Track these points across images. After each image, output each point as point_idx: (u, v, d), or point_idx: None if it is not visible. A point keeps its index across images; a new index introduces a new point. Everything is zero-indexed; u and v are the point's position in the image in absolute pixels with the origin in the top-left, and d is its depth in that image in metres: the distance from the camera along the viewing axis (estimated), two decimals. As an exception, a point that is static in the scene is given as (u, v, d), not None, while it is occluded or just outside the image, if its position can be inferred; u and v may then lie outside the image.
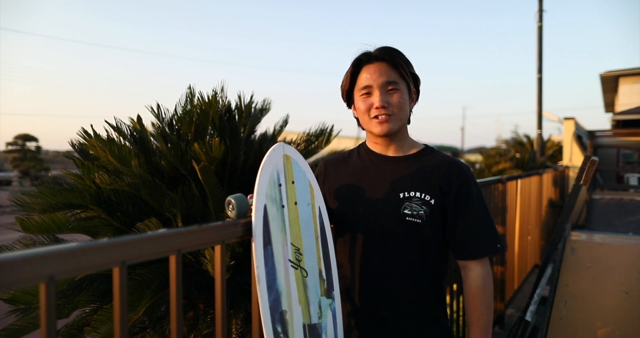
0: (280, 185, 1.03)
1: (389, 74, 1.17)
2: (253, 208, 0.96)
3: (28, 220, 1.61)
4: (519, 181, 3.94)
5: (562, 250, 2.97)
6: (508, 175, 3.64)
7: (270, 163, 1.02)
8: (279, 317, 0.95)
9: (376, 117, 1.19)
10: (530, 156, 9.19)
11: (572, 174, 8.03)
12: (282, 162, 1.05)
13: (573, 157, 8.34)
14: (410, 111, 1.26)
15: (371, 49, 1.21)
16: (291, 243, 1.01)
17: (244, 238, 0.97)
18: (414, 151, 1.26)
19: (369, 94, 1.19)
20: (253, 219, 0.95)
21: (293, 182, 1.06)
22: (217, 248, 0.90)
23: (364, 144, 1.33)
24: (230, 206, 0.99)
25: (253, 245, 0.94)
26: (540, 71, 9.97)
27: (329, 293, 1.07)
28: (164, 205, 1.67)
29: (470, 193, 1.20)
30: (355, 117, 1.29)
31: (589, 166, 2.68)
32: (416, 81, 1.24)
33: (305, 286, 1.02)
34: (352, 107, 1.28)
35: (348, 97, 1.27)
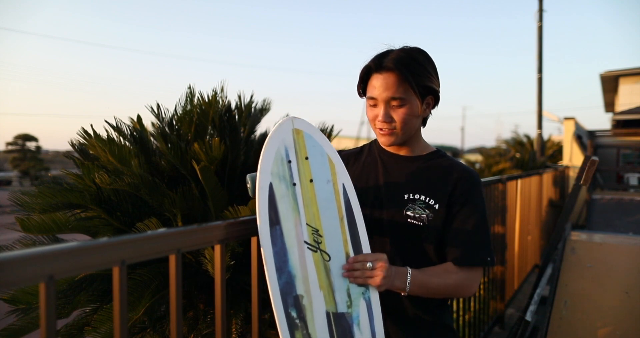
0: (290, 162, 0.96)
1: (396, 88, 1.11)
2: (257, 186, 0.91)
3: (28, 220, 1.61)
4: (519, 181, 3.94)
5: (562, 250, 2.97)
6: (508, 175, 3.64)
7: (275, 139, 0.95)
8: (292, 301, 0.89)
9: (380, 129, 1.17)
10: (530, 156, 9.19)
11: (572, 174, 8.02)
12: (291, 137, 0.98)
13: (573, 157, 8.34)
14: (426, 117, 1.22)
15: (388, 48, 1.16)
16: (307, 224, 0.95)
17: (244, 238, 0.97)
18: (425, 153, 1.24)
19: (375, 105, 1.16)
20: (257, 198, 0.91)
21: (307, 158, 0.99)
22: (217, 248, 0.90)
23: (376, 141, 1.31)
24: (249, 185, 1.00)
25: (258, 225, 0.90)
26: (540, 70, 9.97)
27: None
28: (164, 205, 1.67)
29: (476, 204, 1.18)
30: None
31: (589, 166, 2.68)
32: (431, 92, 1.17)
33: (328, 271, 0.95)
34: None
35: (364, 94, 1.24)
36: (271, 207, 0.91)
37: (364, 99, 1.22)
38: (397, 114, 1.13)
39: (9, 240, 1.66)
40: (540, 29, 10.06)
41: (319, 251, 0.95)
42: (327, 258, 0.96)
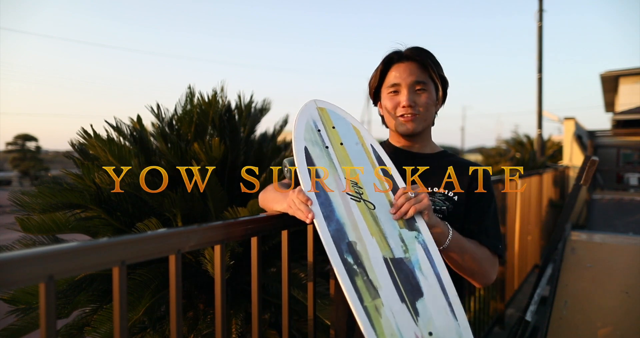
0: (319, 130, 1.07)
1: (418, 74, 1.17)
2: (294, 150, 0.99)
3: (28, 220, 1.61)
4: (519, 181, 3.94)
5: (562, 250, 2.97)
6: (508, 175, 3.63)
7: (304, 114, 1.07)
8: (346, 247, 0.91)
9: (402, 115, 1.19)
10: (530, 156, 9.18)
11: (572, 174, 8.02)
12: (317, 113, 1.09)
13: (573, 157, 8.33)
14: (436, 113, 1.26)
15: (402, 48, 1.21)
16: (345, 178, 1.02)
17: (243, 238, 0.97)
18: (435, 152, 1.28)
19: (396, 92, 1.19)
20: (295, 159, 0.99)
21: (334, 127, 1.09)
22: (217, 248, 0.90)
23: (387, 142, 1.34)
24: (286, 169, 1.08)
25: (301, 183, 0.97)
26: (540, 70, 9.96)
27: (410, 226, 0.99)
28: (164, 205, 1.67)
29: (491, 196, 1.24)
30: (381, 115, 1.28)
31: (589, 166, 2.68)
32: (444, 83, 1.24)
33: (376, 219, 0.98)
34: (379, 104, 1.28)
35: (375, 94, 1.27)
36: (310, 165, 0.99)
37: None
38: (420, 99, 1.18)
39: (9, 240, 1.66)
40: (540, 29, 10.05)
41: (362, 201, 0.99)
42: (372, 207, 0.99)
